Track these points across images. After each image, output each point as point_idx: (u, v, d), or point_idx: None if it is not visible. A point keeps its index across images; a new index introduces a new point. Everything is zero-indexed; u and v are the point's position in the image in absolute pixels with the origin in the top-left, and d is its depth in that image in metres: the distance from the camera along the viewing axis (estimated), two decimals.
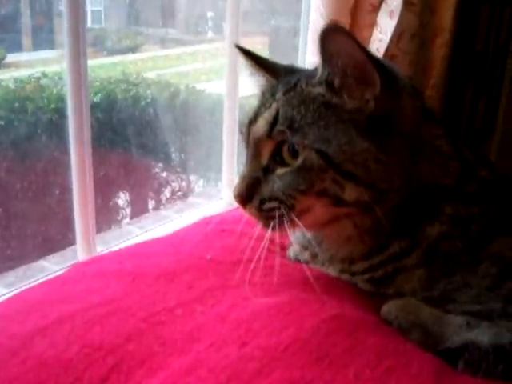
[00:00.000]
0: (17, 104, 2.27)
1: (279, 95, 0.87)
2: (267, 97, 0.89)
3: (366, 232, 0.87)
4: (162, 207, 2.54)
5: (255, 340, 0.70)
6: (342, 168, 0.80)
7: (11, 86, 2.44)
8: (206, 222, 1.16)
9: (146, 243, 1.09)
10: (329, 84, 0.83)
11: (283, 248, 1.03)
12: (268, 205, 0.84)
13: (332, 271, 0.93)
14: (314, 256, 0.96)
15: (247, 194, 0.85)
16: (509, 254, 0.83)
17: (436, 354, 0.75)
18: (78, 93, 1.19)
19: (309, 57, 1.40)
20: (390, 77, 0.83)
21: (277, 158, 0.84)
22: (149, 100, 2.59)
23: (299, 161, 0.81)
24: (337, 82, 0.82)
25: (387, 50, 1.26)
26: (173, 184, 2.63)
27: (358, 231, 0.87)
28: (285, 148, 0.83)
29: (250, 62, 0.97)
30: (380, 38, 1.28)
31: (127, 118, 2.46)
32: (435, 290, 0.83)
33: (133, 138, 2.39)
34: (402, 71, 0.96)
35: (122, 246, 1.43)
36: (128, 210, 2.51)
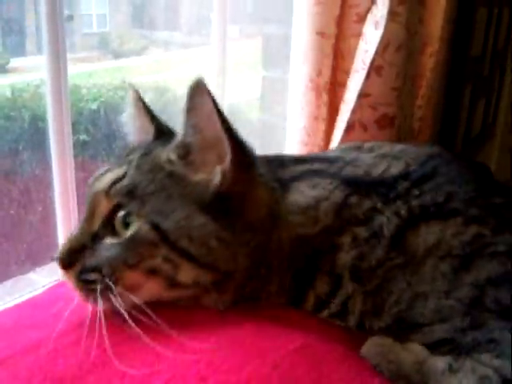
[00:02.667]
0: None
1: (134, 156, 0.82)
2: (123, 156, 0.86)
3: (249, 297, 0.84)
4: None
5: (215, 375, 0.67)
6: (177, 245, 0.74)
7: (8, 94, 2.44)
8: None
9: None
10: (182, 148, 0.79)
11: None
12: (87, 276, 0.77)
13: None
14: None
15: (69, 259, 0.78)
16: (455, 241, 0.77)
17: None
18: (58, 101, 1.19)
19: (294, 67, 1.38)
20: (244, 155, 0.79)
21: (108, 226, 0.77)
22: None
23: (131, 231, 0.75)
24: (191, 147, 0.79)
25: (373, 62, 1.24)
26: None
27: (234, 303, 0.83)
28: (118, 215, 0.77)
29: (138, 105, 0.92)
30: (366, 49, 1.25)
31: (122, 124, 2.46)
32: (386, 314, 0.79)
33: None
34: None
35: None
36: None
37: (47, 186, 1.30)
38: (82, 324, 0.81)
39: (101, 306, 0.76)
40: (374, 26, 1.24)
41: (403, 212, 0.81)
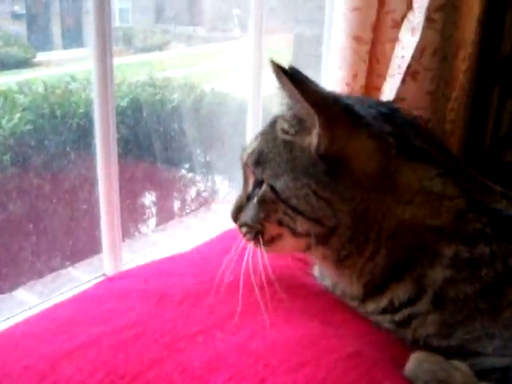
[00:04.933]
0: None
1: (265, 129, 0.93)
2: (262, 128, 0.95)
3: (338, 266, 0.90)
4: (186, 212, 2.57)
5: (273, 377, 0.71)
6: (288, 202, 0.85)
7: (41, 90, 2.48)
8: (230, 236, 1.18)
9: (170, 260, 1.11)
10: (291, 118, 0.88)
11: (307, 263, 1.06)
12: (242, 229, 0.93)
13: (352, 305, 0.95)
14: (335, 285, 0.98)
15: (235, 216, 0.94)
16: None
17: None
18: (104, 93, 1.21)
19: (330, 70, 1.41)
20: (334, 115, 0.84)
21: (256, 188, 0.90)
22: (175, 104, 2.62)
23: (260, 193, 0.88)
24: (296, 115, 0.87)
25: (409, 67, 1.27)
26: (198, 186, 2.65)
27: (330, 264, 0.91)
28: (257, 180, 0.90)
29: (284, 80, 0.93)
30: (402, 55, 1.28)
31: (153, 123, 2.49)
32: (453, 338, 0.82)
33: (158, 144, 2.42)
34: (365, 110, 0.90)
35: (148, 255, 1.48)
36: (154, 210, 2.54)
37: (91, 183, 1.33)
38: (139, 320, 0.87)
39: (257, 247, 0.91)
40: (410, 32, 1.26)
41: (510, 262, 0.82)
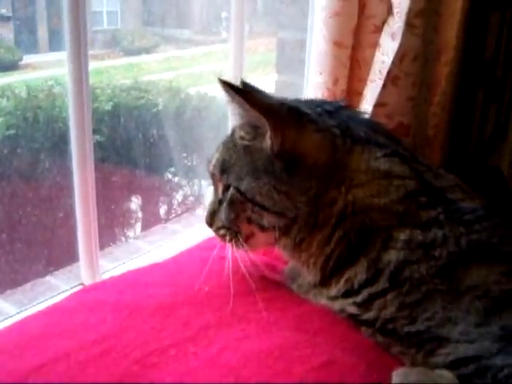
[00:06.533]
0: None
1: (225, 139, 1.02)
2: (223, 139, 1.03)
3: (295, 251, 0.98)
4: (171, 217, 2.55)
5: None
6: (254, 200, 0.93)
7: (24, 95, 2.45)
8: (208, 245, 1.16)
9: (146, 270, 1.09)
10: (246, 126, 0.97)
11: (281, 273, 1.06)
12: (220, 232, 1.00)
13: (320, 300, 0.97)
14: (300, 286, 1.02)
15: (210, 221, 1.01)
16: (494, 288, 0.83)
17: None
18: (79, 98, 1.19)
19: (311, 75, 1.40)
20: (282, 118, 0.92)
21: (225, 193, 0.97)
22: (160, 107, 2.60)
23: (228, 196, 0.96)
24: (250, 123, 0.96)
25: (389, 72, 1.25)
26: (184, 191, 2.63)
27: (291, 250, 0.98)
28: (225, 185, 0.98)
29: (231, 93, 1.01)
30: (382, 60, 1.27)
31: (136, 127, 2.47)
32: (418, 323, 0.84)
33: (140, 149, 2.40)
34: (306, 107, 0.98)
35: (128, 263, 1.46)
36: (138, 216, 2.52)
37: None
38: (110, 333, 0.85)
39: (235, 248, 0.98)
40: (390, 37, 1.25)
41: (463, 243, 0.87)
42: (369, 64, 1.32)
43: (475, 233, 0.88)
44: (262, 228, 0.95)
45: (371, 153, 0.94)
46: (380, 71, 1.27)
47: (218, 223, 1.00)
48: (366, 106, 1.30)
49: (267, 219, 0.94)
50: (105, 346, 0.82)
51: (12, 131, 2.18)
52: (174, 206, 2.69)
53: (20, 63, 2.93)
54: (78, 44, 1.16)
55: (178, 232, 2.03)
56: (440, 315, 0.83)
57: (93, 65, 1.23)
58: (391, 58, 1.25)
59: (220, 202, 0.99)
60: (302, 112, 0.95)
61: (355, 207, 0.91)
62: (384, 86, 1.27)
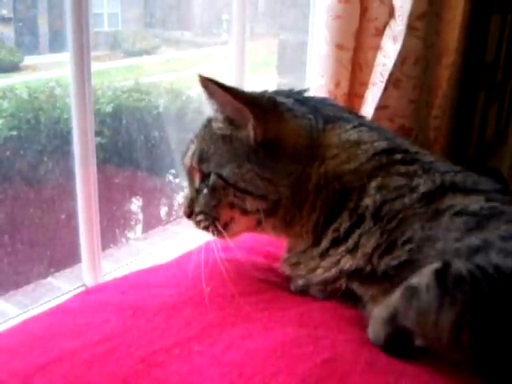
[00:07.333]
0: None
1: (200, 132, 1.06)
2: (195, 133, 1.07)
3: (286, 227, 1.02)
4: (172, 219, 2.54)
5: None
6: (237, 185, 0.98)
7: (25, 96, 2.45)
8: (210, 247, 1.17)
9: (148, 271, 1.10)
10: (224, 119, 1.00)
11: (287, 278, 1.05)
12: (198, 218, 1.03)
13: (319, 273, 0.99)
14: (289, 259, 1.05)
15: (188, 211, 1.05)
16: (474, 205, 0.88)
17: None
18: (82, 99, 1.19)
19: (313, 77, 1.40)
20: (262, 109, 0.97)
21: (203, 182, 1.02)
22: (160, 110, 2.60)
23: (209, 182, 1.00)
24: (228, 117, 1.00)
25: (391, 75, 1.26)
26: (184, 193, 2.62)
27: (283, 229, 1.03)
28: (204, 173, 1.02)
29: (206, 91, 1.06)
30: (384, 63, 1.27)
31: (137, 129, 2.47)
32: (398, 252, 0.88)
33: (143, 148, 2.40)
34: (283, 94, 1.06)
35: (130, 265, 1.46)
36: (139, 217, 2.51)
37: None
38: (114, 333, 0.85)
39: (214, 236, 1.02)
40: (392, 40, 1.26)
41: (437, 181, 0.93)
42: (370, 67, 1.33)
43: (448, 176, 0.94)
44: (245, 212, 1.00)
45: (341, 128, 1.01)
46: (381, 74, 1.28)
47: (197, 209, 1.03)
48: (368, 108, 1.30)
49: (250, 203, 0.98)
50: (109, 345, 0.82)
51: (13, 132, 2.18)
52: (175, 208, 2.69)
53: (21, 64, 2.93)
54: (81, 45, 1.16)
55: (178, 234, 2.03)
56: (419, 235, 0.87)
57: (94, 66, 1.23)
58: (393, 61, 1.26)
59: (198, 191, 1.03)
60: (279, 102, 1.01)
61: (327, 177, 0.98)
62: (385, 88, 1.28)
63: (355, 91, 1.38)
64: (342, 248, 0.96)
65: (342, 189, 0.97)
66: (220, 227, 1.01)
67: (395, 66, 1.26)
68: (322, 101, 1.10)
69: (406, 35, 1.24)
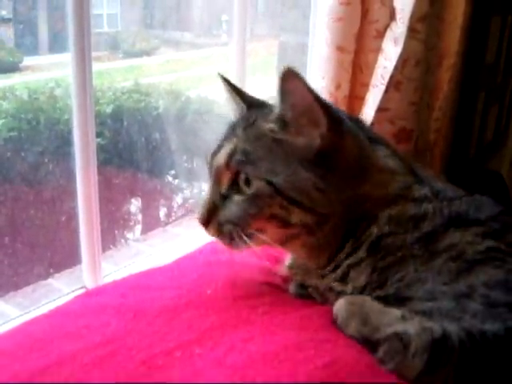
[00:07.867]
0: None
1: (239, 131, 0.98)
2: (230, 131, 1.01)
3: (313, 250, 0.97)
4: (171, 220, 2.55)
5: None
6: (287, 195, 0.91)
7: (25, 97, 2.45)
8: (210, 249, 1.17)
9: (148, 273, 1.10)
10: (280, 121, 0.93)
11: (286, 281, 1.05)
12: (223, 228, 0.95)
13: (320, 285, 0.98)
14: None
15: (208, 218, 0.96)
16: (468, 249, 0.86)
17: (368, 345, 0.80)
18: (83, 100, 1.19)
19: (313, 79, 1.40)
20: (335, 119, 0.93)
21: (234, 187, 0.94)
22: (160, 110, 2.60)
23: (252, 189, 0.92)
24: (288, 120, 0.93)
25: (392, 77, 1.26)
26: (184, 194, 2.63)
27: (306, 250, 0.98)
28: (241, 178, 0.94)
29: (228, 89, 1.08)
30: (385, 65, 1.27)
31: (137, 130, 2.47)
32: (388, 286, 0.87)
33: (143, 149, 2.40)
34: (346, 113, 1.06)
35: (129, 266, 1.46)
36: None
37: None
38: (115, 336, 0.85)
39: (240, 247, 0.95)
40: (393, 42, 1.26)
41: (446, 212, 0.92)
42: (371, 69, 1.33)
43: (455, 206, 0.94)
44: (286, 225, 0.93)
45: (382, 151, 1.00)
46: (382, 76, 1.28)
47: (223, 218, 0.95)
48: (368, 110, 1.30)
49: (296, 215, 0.92)
50: (110, 348, 0.82)
51: (13, 133, 2.18)
52: (175, 209, 2.69)
53: (20, 65, 2.93)
54: (82, 46, 1.16)
55: (178, 235, 2.04)
56: (411, 276, 0.86)
57: (94, 67, 1.23)
58: (393, 63, 1.26)
59: (225, 197, 0.96)
60: (341, 115, 0.98)
61: (354, 199, 0.95)
62: (386, 90, 1.28)
63: (356, 93, 1.38)
64: (333, 275, 0.95)
65: (358, 216, 0.95)
66: (245, 237, 0.94)
67: (396, 68, 1.26)
68: (358, 118, 1.09)
69: (407, 37, 1.24)
